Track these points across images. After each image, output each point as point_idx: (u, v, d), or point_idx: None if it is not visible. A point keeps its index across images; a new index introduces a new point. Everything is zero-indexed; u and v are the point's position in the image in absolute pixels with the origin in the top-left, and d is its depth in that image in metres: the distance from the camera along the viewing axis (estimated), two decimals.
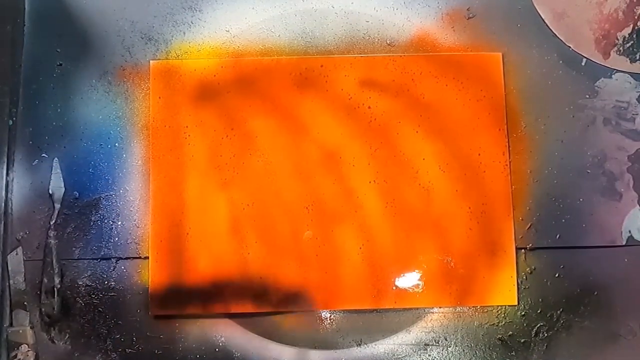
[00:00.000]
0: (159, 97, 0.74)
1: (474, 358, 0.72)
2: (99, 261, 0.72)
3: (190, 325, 0.72)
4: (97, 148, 0.74)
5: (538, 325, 0.72)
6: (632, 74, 0.75)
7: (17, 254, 0.72)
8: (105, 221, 0.73)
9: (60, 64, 0.75)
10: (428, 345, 0.72)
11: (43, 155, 0.74)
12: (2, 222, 0.72)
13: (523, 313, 0.72)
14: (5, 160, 0.74)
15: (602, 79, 0.75)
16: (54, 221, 0.73)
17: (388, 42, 0.76)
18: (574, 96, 0.75)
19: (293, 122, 0.73)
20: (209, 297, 0.71)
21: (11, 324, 0.71)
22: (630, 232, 0.73)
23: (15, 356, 0.70)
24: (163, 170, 0.73)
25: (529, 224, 0.73)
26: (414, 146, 0.73)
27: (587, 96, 0.75)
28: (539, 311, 0.72)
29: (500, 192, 0.73)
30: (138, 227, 0.73)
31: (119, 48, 0.76)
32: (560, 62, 0.75)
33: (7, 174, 0.74)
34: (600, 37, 0.76)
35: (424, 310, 0.72)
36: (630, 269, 0.72)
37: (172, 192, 0.72)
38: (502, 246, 0.72)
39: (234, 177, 0.72)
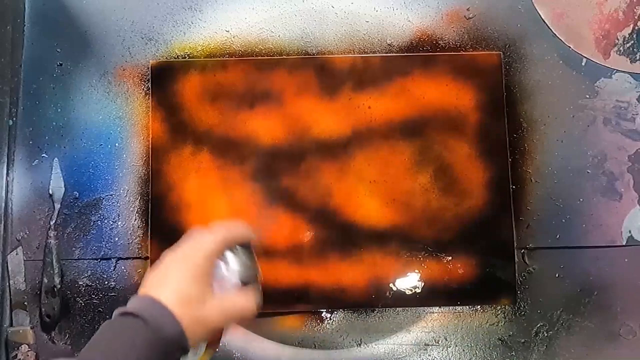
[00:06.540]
0: (159, 97, 0.74)
1: (474, 358, 0.72)
2: (99, 261, 0.72)
3: None
4: (97, 148, 0.74)
5: (538, 325, 0.72)
6: (632, 74, 0.75)
7: (17, 254, 0.72)
8: (105, 221, 0.73)
9: (60, 64, 0.75)
10: (428, 345, 0.72)
11: (43, 155, 0.74)
12: (2, 222, 0.72)
13: (523, 313, 0.72)
14: (5, 160, 0.74)
15: (602, 79, 0.75)
16: (54, 221, 0.73)
17: (388, 42, 0.76)
18: (574, 96, 0.75)
19: (293, 122, 0.73)
20: None
21: (11, 324, 0.71)
22: (630, 232, 0.73)
23: (16, 356, 0.70)
24: (163, 170, 0.73)
25: (529, 224, 0.73)
26: (414, 146, 0.73)
27: (587, 96, 0.75)
28: (539, 311, 0.72)
29: (500, 192, 0.72)
30: (138, 227, 0.73)
31: (119, 48, 0.76)
32: (560, 62, 0.75)
33: (7, 174, 0.74)
34: (600, 37, 0.76)
35: (424, 310, 0.72)
36: (630, 269, 0.72)
37: (172, 192, 0.72)
38: (502, 246, 0.72)
39: (234, 177, 0.72)
